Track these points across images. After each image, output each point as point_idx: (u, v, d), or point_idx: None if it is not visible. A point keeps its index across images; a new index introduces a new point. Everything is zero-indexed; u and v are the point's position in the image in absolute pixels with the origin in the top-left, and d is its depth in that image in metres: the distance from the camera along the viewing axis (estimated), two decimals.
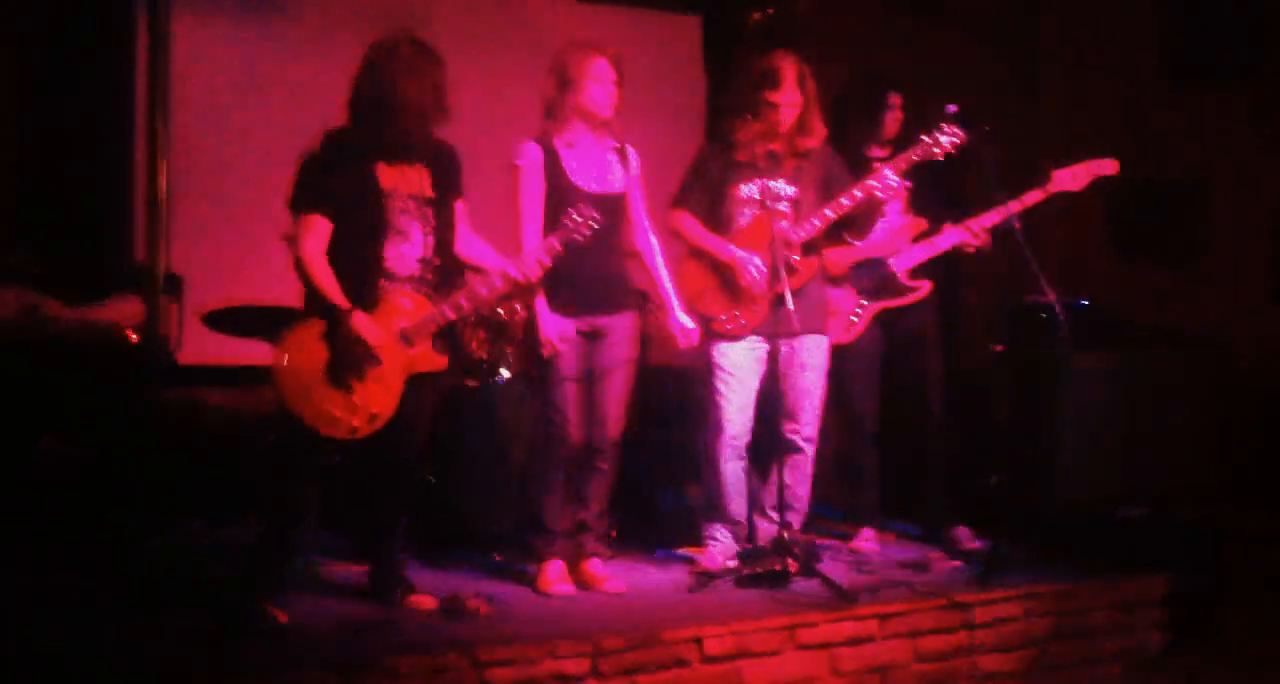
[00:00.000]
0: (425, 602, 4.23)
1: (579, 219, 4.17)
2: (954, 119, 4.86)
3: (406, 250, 4.09)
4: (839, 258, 5.20)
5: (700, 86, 6.97)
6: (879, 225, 5.22)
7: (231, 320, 5.11)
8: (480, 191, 5.25)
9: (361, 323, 3.97)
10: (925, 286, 5.23)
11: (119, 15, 5.55)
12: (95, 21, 5.51)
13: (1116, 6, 6.76)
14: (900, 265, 5.21)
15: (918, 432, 5.34)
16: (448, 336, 5.30)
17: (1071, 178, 5.09)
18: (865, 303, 5.21)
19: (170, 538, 4.79)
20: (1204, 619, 5.05)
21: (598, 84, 4.42)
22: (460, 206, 4.29)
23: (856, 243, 5.23)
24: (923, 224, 5.23)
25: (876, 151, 5.24)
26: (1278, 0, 6.15)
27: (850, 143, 5.19)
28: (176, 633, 3.87)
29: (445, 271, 4.18)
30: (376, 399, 4.03)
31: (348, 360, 3.99)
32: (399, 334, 4.06)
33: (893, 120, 5.28)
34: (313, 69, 5.77)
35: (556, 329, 4.42)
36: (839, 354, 5.13)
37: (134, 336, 4.82)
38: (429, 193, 4.14)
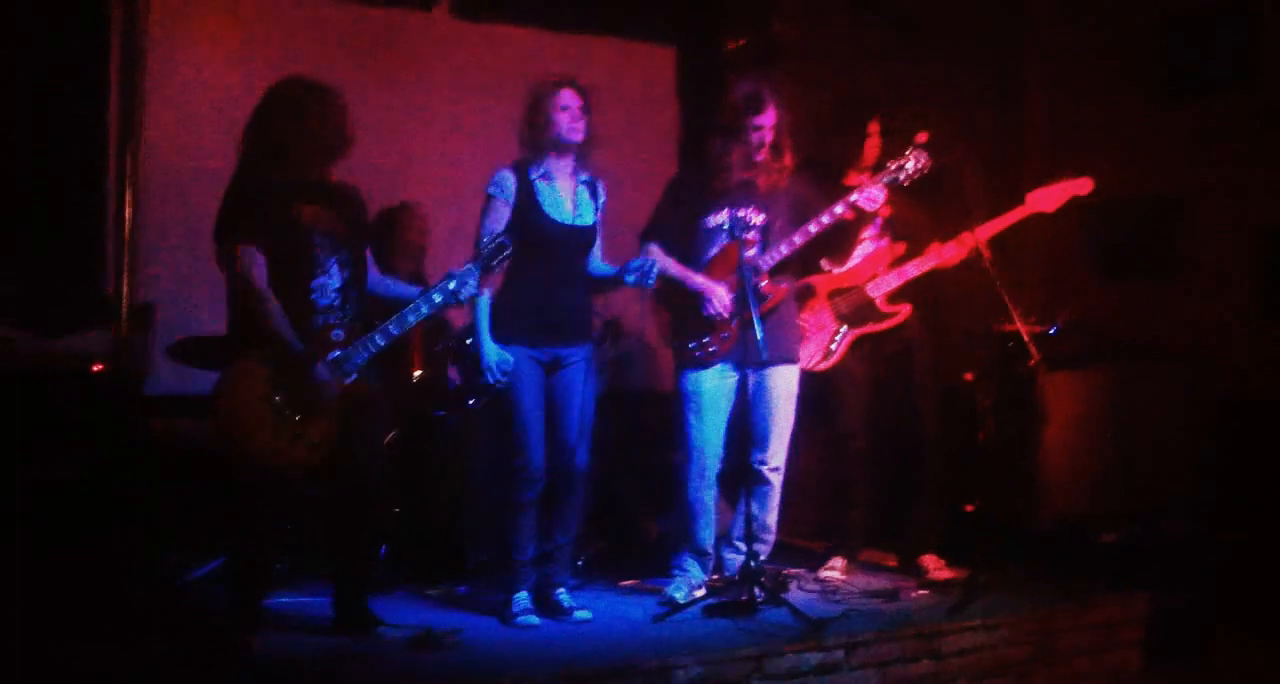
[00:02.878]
0: (390, 633, 4.21)
1: (492, 246, 4.24)
2: (923, 148, 4.90)
3: (326, 282, 4.16)
4: (816, 285, 5.22)
5: (674, 116, 7.00)
6: (856, 252, 5.24)
7: (198, 350, 5.10)
8: (455, 216, 5.29)
9: (322, 367, 4.04)
10: (904, 310, 5.22)
11: (91, 43, 5.55)
12: (67, 49, 5.50)
13: (1098, 22, 6.78)
14: (878, 291, 5.20)
15: (908, 458, 5.32)
16: (414, 368, 5.37)
17: (1046, 198, 5.10)
18: (844, 329, 5.21)
19: (148, 568, 4.77)
20: (1186, 638, 5.04)
21: (564, 113, 4.51)
22: (367, 250, 4.37)
23: (834, 270, 5.24)
24: (899, 249, 5.23)
25: (855, 178, 5.21)
26: (1260, 14, 6.17)
27: (830, 169, 5.20)
28: (154, 666, 3.85)
29: (361, 303, 4.25)
30: (316, 428, 4.07)
31: (304, 401, 4.05)
32: (333, 364, 4.10)
33: (871, 147, 5.26)
34: None
35: (497, 357, 4.47)
36: (825, 377, 5.15)
37: (101, 367, 4.80)
38: (341, 228, 4.21)
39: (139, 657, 3.96)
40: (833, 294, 5.23)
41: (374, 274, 4.37)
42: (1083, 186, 5.10)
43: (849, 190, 4.88)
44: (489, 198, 4.55)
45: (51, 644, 4.07)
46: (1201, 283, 6.31)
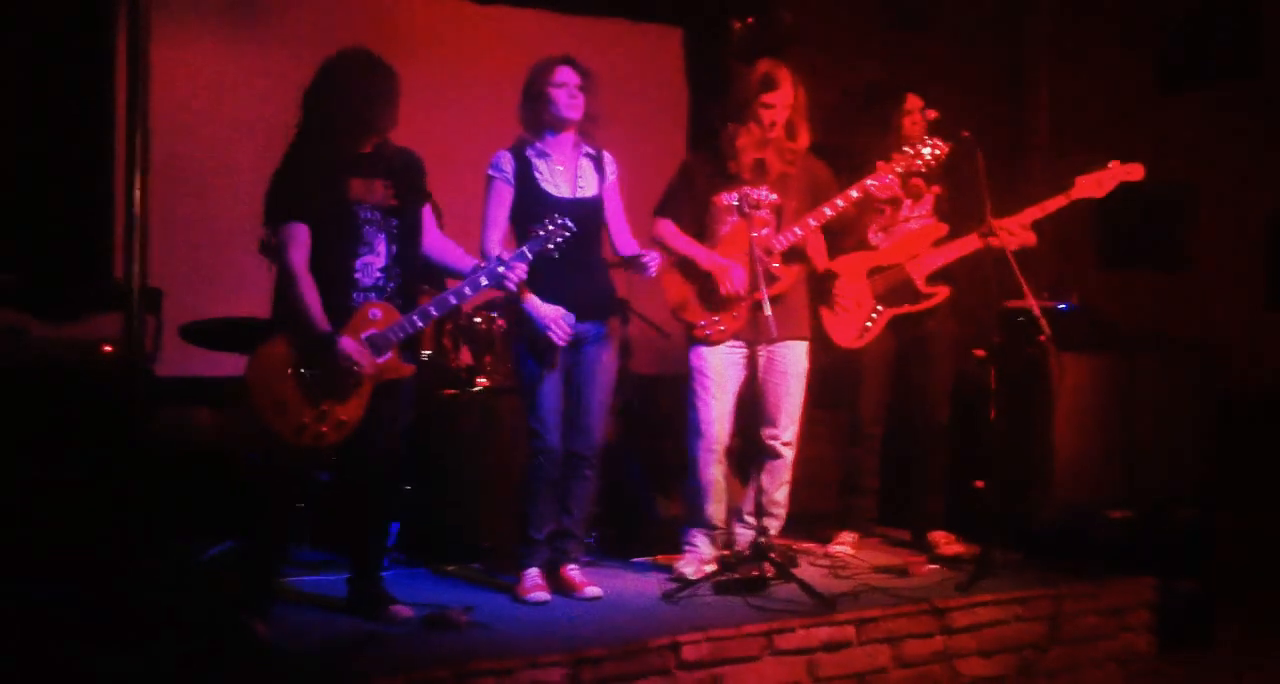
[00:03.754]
0: (403, 612, 4.23)
1: (551, 228, 4.21)
2: (939, 133, 4.89)
3: (372, 260, 4.16)
4: (858, 262, 5.21)
5: (682, 97, 7.01)
6: (900, 230, 5.22)
7: (208, 333, 5.12)
8: (459, 200, 5.30)
9: (348, 346, 4.04)
10: (942, 293, 5.20)
11: (98, 30, 5.57)
12: (74, 36, 5.52)
13: (1105, 12, 6.75)
14: (918, 271, 5.18)
15: (919, 437, 5.32)
16: (424, 347, 5.37)
17: (1096, 184, 5.04)
18: (881, 308, 5.20)
19: (157, 556, 4.79)
20: (1195, 622, 5.03)
21: (561, 90, 4.51)
22: (428, 211, 4.37)
23: (877, 247, 5.23)
24: (943, 229, 5.20)
25: (901, 160, 5.15)
26: (1270, 2, 6.13)
27: (859, 152, 5.16)
28: (166, 654, 3.86)
29: (407, 280, 4.24)
30: (344, 408, 4.09)
31: (333, 380, 4.05)
32: (368, 342, 4.10)
33: (912, 124, 5.19)
34: (290, 83, 5.76)
35: (554, 311, 4.45)
36: (846, 360, 5.15)
37: (110, 351, 4.82)
38: (392, 202, 4.21)
39: (148, 642, 3.97)
40: (872, 272, 5.21)
41: (433, 236, 4.35)
42: (1134, 172, 5.02)
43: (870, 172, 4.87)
44: (490, 180, 4.56)
45: (58, 632, 4.08)
46: (1210, 273, 6.27)
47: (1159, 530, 5.32)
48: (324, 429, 4.05)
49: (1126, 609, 4.92)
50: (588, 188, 4.61)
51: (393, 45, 6.19)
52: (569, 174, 4.58)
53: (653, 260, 4.53)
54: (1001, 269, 4.87)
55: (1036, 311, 4.77)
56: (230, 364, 4.71)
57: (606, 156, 4.68)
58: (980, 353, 5.35)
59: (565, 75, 4.50)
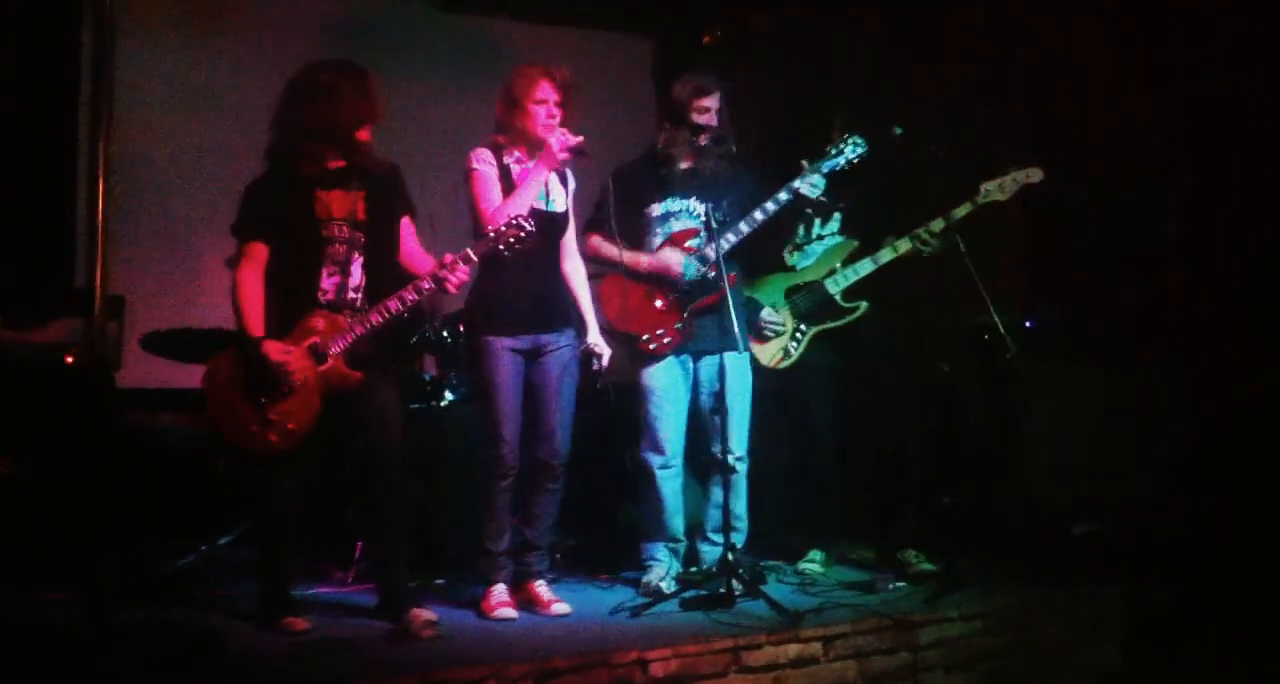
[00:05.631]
0: (424, 615, 4.19)
1: (503, 228, 4.17)
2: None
3: (338, 279, 4.19)
4: (776, 284, 5.21)
5: (652, 108, 6.98)
6: (815, 247, 5.23)
7: (171, 343, 5.08)
8: (427, 206, 5.29)
9: (271, 348, 4.08)
10: (862, 307, 5.20)
11: (64, 35, 5.52)
12: (39, 41, 5.47)
13: (1090, 12, 6.76)
14: (836, 287, 5.18)
15: (884, 455, 5.30)
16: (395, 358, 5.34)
17: (999, 188, 5.05)
18: (805, 327, 5.20)
19: (125, 559, 4.75)
20: (1164, 633, 5.04)
21: (541, 107, 4.48)
22: (406, 223, 4.38)
23: (794, 265, 5.23)
24: (854, 244, 5.20)
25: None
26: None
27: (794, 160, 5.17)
28: (138, 658, 3.85)
29: (377, 293, 4.22)
30: (293, 415, 4.12)
31: (262, 382, 4.09)
32: (308, 351, 4.12)
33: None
34: (256, 89, 5.72)
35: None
36: (793, 374, 5.14)
37: (71, 359, 4.78)
38: (361, 217, 4.21)
39: (118, 649, 3.95)
40: (790, 291, 5.22)
41: (409, 247, 4.36)
42: (1033, 175, 5.05)
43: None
44: (475, 171, 4.50)
45: (33, 636, 4.07)
46: (1194, 275, 6.27)
47: (1134, 539, 5.33)
48: (272, 437, 4.10)
49: (1095, 620, 4.91)
50: (558, 202, 4.60)
51: (367, 52, 6.19)
52: (543, 185, 4.55)
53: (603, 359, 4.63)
54: (967, 282, 4.88)
55: (1001, 329, 4.78)
56: (192, 374, 4.66)
57: (569, 174, 4.68)
58: (946, 369, 5.37)
59: (546, 91, 4.47)
